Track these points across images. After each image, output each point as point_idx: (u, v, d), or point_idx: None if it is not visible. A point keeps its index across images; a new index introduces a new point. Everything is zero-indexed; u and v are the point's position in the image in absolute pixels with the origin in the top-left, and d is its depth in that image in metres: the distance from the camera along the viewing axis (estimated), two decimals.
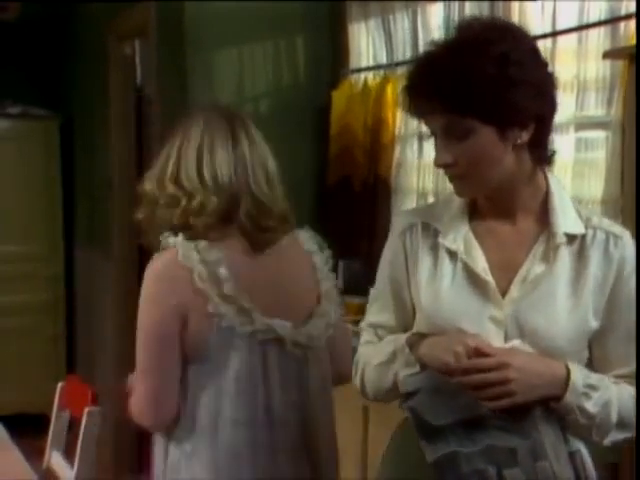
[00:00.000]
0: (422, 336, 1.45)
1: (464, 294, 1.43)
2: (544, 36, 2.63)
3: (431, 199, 3.21)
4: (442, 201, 1.58)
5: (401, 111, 3.32)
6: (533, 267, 1.42)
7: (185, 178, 1.79)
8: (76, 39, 5.20)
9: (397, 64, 3.33)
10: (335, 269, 3.50)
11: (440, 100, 1.34)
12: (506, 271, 1.43)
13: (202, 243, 1.74)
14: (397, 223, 1.57)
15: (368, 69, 3.53)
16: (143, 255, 4.61)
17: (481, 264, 1.43)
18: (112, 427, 4.16)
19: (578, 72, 2.53)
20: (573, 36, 2.56)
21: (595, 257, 1.43)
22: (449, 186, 3.00)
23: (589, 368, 1.45)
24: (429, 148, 3.21)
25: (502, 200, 1.45)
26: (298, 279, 1.90)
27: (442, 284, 1.45)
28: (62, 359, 5.15)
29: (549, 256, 1.42)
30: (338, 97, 3.49)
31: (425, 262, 1.48)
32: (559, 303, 1.41)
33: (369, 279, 3.19)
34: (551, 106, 1.40)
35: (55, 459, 2.50)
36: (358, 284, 3.33)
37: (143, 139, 4.60)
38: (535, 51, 1.41)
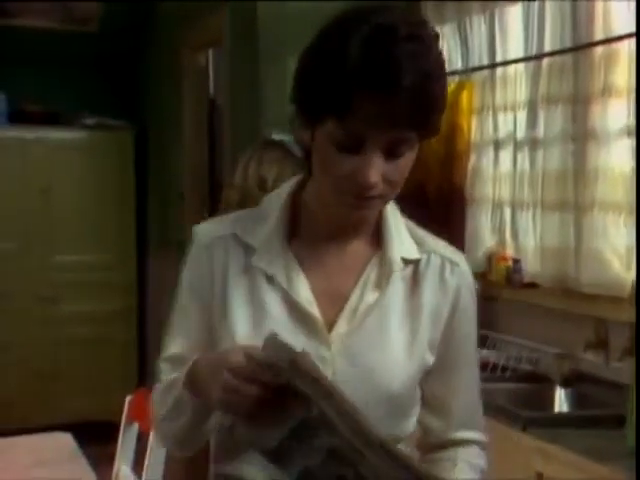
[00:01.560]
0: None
1: (285, 328, 1.17)
2: (629, 36, 2.51)
3: (507, 210, 3.13)
4: (254, 214, 1.27)
5: (475, 118, 3.24)
6: (364, 296, 1.21)
7: None
8: (151, 50, 5.25)
9: (473, 69, 3.26)
10: None
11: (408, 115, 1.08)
12: (334, 301, 1.21)
13: None
14: (200, 235, 1.27)
15: None
16: None
17: (304, 293, 1.20)
18: None
19: None
20: None
21: (429, 284, 1.25)
22: (527, 196, 3.04)
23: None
24: (506, 156, 3.15)
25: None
26: None
27: (260, 315, 1.20)
28: (133, 367, 5.18)
29: (382, 283, 1.22)
30: None
31: (239, 286, 1.22)
32: (394, 337, 1.22)
33: None
34: None
35: (123, 472, 2.48)
36: None
37: (215, 149, 4.60)
38: None
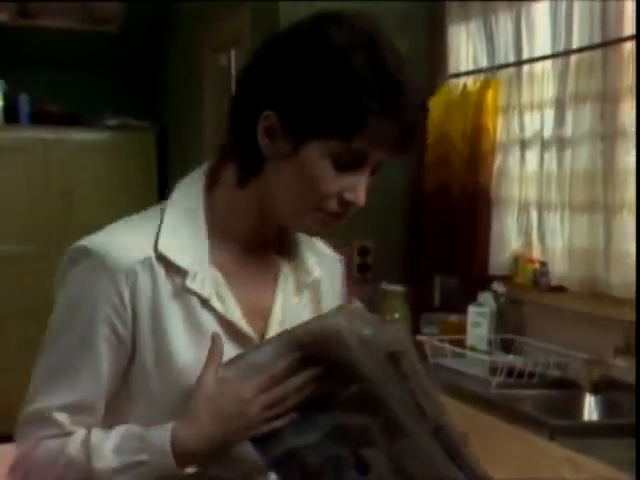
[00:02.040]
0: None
1: (227, 352, 1.09)
2: None
3: (534, 212, 3.08)
4: (170, 225, 1.12)
5: (501, 117, 3.18)
6: (286, 306, 1.19)
7: None
8: (172, 50, 5.23)
9: (499, 67, 3.21)
10: (431, 284, 3.50)
11: (412, 137, 1.07)
12: (258, 315, 1.16)
13: None
14: (114, 256, 1.07)
15: (467, 73, 3.42)
16: None
17: (237, 313, 1.13)
18: None
19: None
20: None
21: (326, 284, 1.25)
22: (554, 197, 2.98)
23: None
24: (532, 156, 3.09)
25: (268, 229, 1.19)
26: None
27: (200, 339, 1.09)
28: None
29: (301, 290, 1.21)
30: (435, 103, 3.38)
31: (173, 313, 1.09)
32: None
33: (468, 296, 3.18)
34: None
35: None
36: (456, 301, 3.21)
37: None
38: None
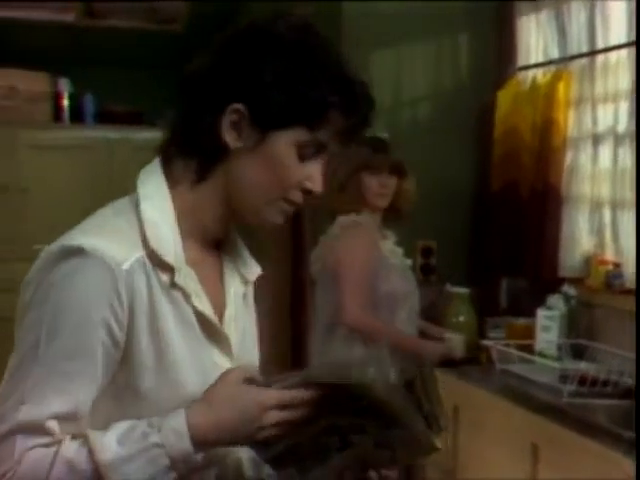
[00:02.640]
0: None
1: (205, 346, 1.15)
2: None
3: (607, 210, 3.00)
4: (149, 221, 1.12)
5: (573, 111, 3.07)
6: (236, 303, 1.23)
7: None
8: None
9: (571, 58, 3.13)
10: (498, 286, 3.41)
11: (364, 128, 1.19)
12: (217, 311, 1.18)
13: None
14: (109, 256, 1.05)
15: (538, 65, 3.35)
16: (295, 265, 4.56)
17: (210, 308, 1.16)
18: None
19: None
20: None
21: (250, 287, 1.31)
22: (628, 195, 2.85)
23: None
24: (605, 152, 3.01)
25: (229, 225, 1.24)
26: None
27: (191, 335, 1.13)
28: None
29: (245, 286, 1.27)
30: (504, 97, 3.35)
31: (166, 310, 1.10)
32: (253, 340, 1.31)
33: (536, 298, 3.08)
34: None
35: None
36: (524, 304, 3.11)
37: None
38: None
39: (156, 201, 1.14)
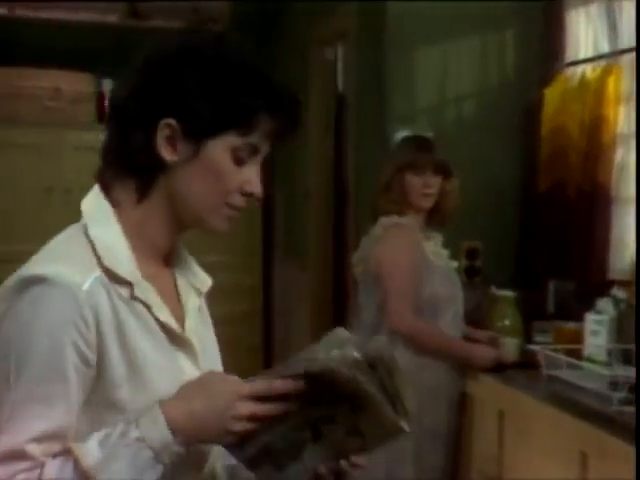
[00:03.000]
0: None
1: (174, 356, 1.20)
2: None
3: None
4: (100, 242, 1.16)
5: (623, 107, 2.99)
6: (194, 312, 1.27)
7: None
8: (280, 48, 5.20)
9: (622, 52, 3.05)
10: (545, 289, 3.33)
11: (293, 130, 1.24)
12: (178, 323, 1.22)
13: None
14: (68, 279, 1.08)
15: (587, 60, 3.26)
16: (338, 266, 4.53)
17: (172, 319, 1.20)
18: None
19: None
20: None
21: (203, 298, 1.36)
22: None
23: None
24: None
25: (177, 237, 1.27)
26: None
27: (159, 345, 1.17)
28: (259, 370, 5.08)
29: (199, 297, 1.32)
30: (551, 93, 3.27)
31: (132, 323, 1.14)
32: (216, 356, 1.34)
33: (584, 302, 2.99)
34: None
35: None
36: (571, 307, 3.06)
37: (342, 146, 4.47)
38: None
39: (103, 223, 1.17)
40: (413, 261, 2.80)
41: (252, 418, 1.08)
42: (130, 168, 1.17)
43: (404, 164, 2.82)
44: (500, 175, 3.45)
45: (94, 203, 1.19)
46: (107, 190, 1.19)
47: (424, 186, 2.81)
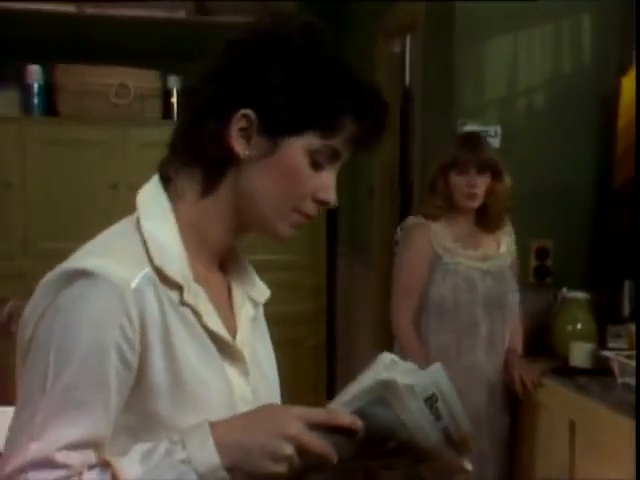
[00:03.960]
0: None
1: (220, 366, 1.12)
2: None
3: None
4: (152, 240, 1.08)
5: None
6: (247, 329, 1.19)
7: None
8: (347, 41, 5.16)
9: None
10: (620, 291, 3.18)
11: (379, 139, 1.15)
12: (230, 331, 1.15)
13: None
14: (115, 276, 1.01)
15: None
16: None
17: (223, 327, 1.12)
18: None
19: None
20: None
21: (260, 309, 1.29)
22: None
23: None
24: None
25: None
26: None
27: (204, 354, 1.09)
28: (323, 370, 5.06)
29: (255, 308, 1.24)
30: (629, 83, 3.10)
31: (179, 329, 1.06)
32: (270, 357, 1.28)
33: None
34: None
35: None
36: None
37: (408, 142, 4.36)
38: None
39: (158, 217, 1.10)
40: (418, 261, 2.76)
41: (302, 448, 0.99)
42: (199, 158, 1.10)
43: (446, 163, 2.73)
44: (573, 170, 3.32)
45: (151, 194, 1.12)
46: (169, 182, 1.12)
47: (468, 185, 2.70)
